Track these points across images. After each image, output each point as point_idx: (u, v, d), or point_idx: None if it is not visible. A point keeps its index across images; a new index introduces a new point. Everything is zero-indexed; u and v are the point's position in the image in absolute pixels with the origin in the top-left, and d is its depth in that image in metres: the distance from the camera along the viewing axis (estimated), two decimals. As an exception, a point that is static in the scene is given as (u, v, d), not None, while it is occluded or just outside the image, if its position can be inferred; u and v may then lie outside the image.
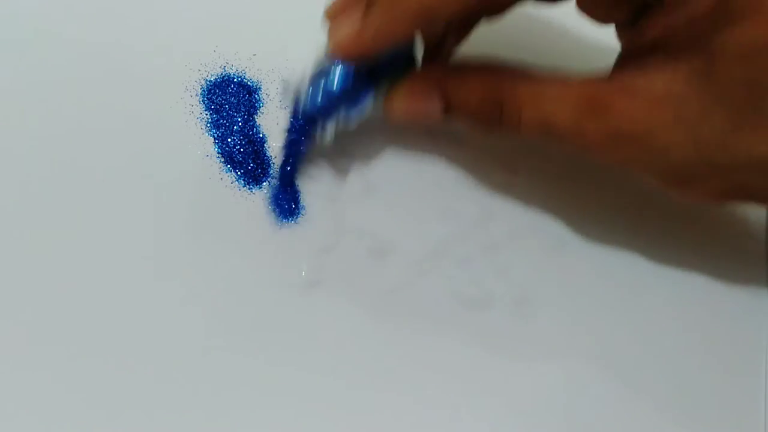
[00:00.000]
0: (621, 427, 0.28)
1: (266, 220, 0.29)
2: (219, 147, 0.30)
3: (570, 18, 0.29)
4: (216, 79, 0.32)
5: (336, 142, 0.29)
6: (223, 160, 0.30)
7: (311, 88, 0.27)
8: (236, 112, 0.31)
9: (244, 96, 0.31)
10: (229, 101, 0.31)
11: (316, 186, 0.30)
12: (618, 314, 0.29)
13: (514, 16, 0.29)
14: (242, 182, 0.30)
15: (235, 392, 0.27)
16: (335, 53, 0.26)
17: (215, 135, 0.31)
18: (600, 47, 0.30)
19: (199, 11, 0.33)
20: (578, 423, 0.28)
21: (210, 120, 0.31)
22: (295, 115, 0.29)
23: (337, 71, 0.27)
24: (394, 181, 0.30)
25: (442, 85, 0.26)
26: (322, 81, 0.27)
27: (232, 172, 0.30)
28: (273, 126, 0.31)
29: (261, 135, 0.31)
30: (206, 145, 0.30)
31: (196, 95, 0.31)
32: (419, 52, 0.27)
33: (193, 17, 0.33)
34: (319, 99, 0.27)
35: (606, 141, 0.24)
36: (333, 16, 0.27)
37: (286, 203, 0.29)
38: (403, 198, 0.30)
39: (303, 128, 0.28)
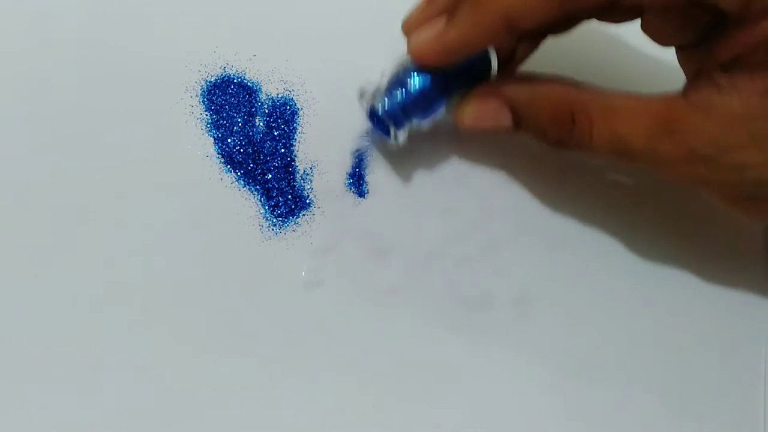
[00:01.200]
0: (621, 426, 0.28)
1: (266, 221, 0.29)
2: (219, 147, 0.30)
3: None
4: (216, 79, 0.32)
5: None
6: (223, 160, 0.30)
7: (388, 94, 0.27)
8: (236, 112, 0.31)
9: (244, 96, 0.31)
10: (229, 102, 0.31)
11: (316, 186, 0.30)
12: (618, 314, 0.29)
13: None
14: (242, 182, 0.30)
15: (236, 392, 0.27)
16: (416, 59, 0.26)
17: (215, 135, 0.31)
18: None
19: (199, 11, 0.33)
20: (578, 422, 0.28)
21: (210, 120, 0.31)
22: (371, 119, 0.29)
23: (415, 78, 0.27)
24: (393, 181, 0.30)
25: (512, 98, 0.26)
26: (400, 87, 0.27)
27: (232, 173, 0.30)
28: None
29: (261, 135, 0.31)
30: (206, 145, 0.30)
31: (196, 96, 0.31)
32: (494, 62, 0.27)
33: (193, 17, 0.33)
34: (397, 105, 0.27)
35: (679, 160, 0.24)
36: (412, 26, 0.27)
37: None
38: (403, 198, 0.30)
39: (377, 133, 0.29)
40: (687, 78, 0.27)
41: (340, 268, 0.29)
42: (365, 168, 0.31)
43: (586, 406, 0.28)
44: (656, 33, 0.27)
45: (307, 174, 0.30)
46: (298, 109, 0.31)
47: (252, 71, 0.32)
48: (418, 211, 0.30)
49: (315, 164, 0.30)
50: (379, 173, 0.31)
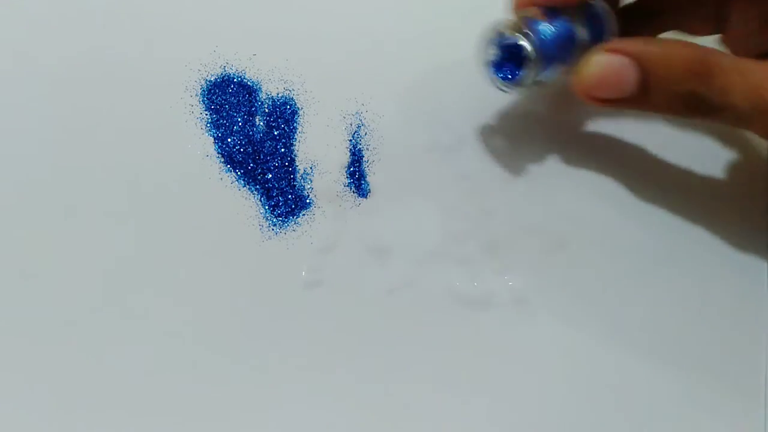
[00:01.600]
0: (621, 426, 0.28)
1: (266, 221, 0.29)
2: (219, 147, 0.30)
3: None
4: (216, 79, 0.31)
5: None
6: (223, 160, 0.30)
7: (530, 31, 0.26)
8: (236, 112, 0.31)
9: (244, 96, 0.31)
10: (229, 101, 0.31)
11: (316, 186, 0.30)
12: (617, 314, 0.29)
13: None
14: (242, 182, 0.30)
15: (235, 391, 0.27)
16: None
17: (215, 135, 0.31)
18: None
19: (199, 11, 0.33)
20: (578, 422, 0.28)
21: (210, 120, 0.31)
22: (498, 60, 0.27)
23: (546, 25, 0.26)
24: (393, 181, 0.30)
25: (643, 52, 0.25)
26: (543, 25, 0.26)
27: (232, 172, 0.30)
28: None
29: (261, 135, 0.31)
30: (206, 145, 0.30)
31: (196, 95, 0.31)
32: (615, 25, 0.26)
33: (193, 17, 0.33)
34: (542, 42, 0.26)
35: None
36: None
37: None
38: (403, 198, 0.30)
39: (499, 77, 0.27)
40: None
41: (340, 268, 0.29)
42: (365, 168, 0.31)
43: (586, 405, 0.28)
44: (736, 45, 0.27)
45: (307, 174, 0.30)
46: (298, 109, 0.31)
47: (252, 71, 0.32)
48: (418, 211, 0.30)
49: (315, 164, 0.30)
50: (379, 173, 0.31)
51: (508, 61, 0.27)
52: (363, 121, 0.31)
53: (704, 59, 0.24)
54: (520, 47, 0.26)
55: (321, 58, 0.32)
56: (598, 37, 0.27)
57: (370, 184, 0.30)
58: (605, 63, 0.25)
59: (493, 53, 0.28)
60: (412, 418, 0.27)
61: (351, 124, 0.31)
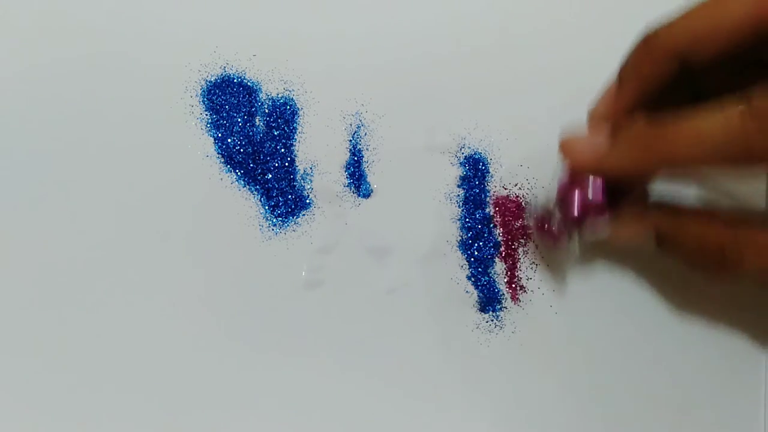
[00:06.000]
0: (621, 425, 0.28)
1: (266, 221, 0.29)
2: (219, 147, 0.30)
3: None
4: (216, 79, 0.32)
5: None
6: (223, 160, 0.30)
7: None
8: (236, 112, 0.31)
9: (244, 96, 0.31)
10: (229, 101, 0.31)
11: (316, 186, 0.30)
12: (617, 314, 0.29)
13: None
14: (242, 182, 0.30)
15: (235, 391, 0.27)
16: (570, 162, 0.27)
17: (215, 135, 0.31)
18: None
19: (199, 11, 0.33)
20: (578, 420, 0.28)
21: (210, 120, 0.31)
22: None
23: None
24: (394, 181, 0.30)
25: (658, 226, 0.27)
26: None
27: (232, 173, 0.30)
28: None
29: (261, 135, 0.31)
30: (206, 145, 0.30)
31: (196, 95, 0.31)
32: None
33: (193, 17, 0.33)
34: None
35: None
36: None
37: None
38: (403, 198, 0.30)
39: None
40: None
41: (340, 268, 0.29)
42: (365, 168, 0.31)
43: (586, 404, 0.28)
44: None
45: (307, 174, 0.30)
46: (298, 109, 0.31)
47: (252, 71, 0.32)
48: (418, 211, 0.30)
49: (315, 164, 0.30)
50: (379, 173, 0.31)
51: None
52: (363, 121, 0.31)
53: (719, 240, 0.25)
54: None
55: (321, 58, 0.32)
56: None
57: (370, 184, 0.30)
58: (625, 231, 0.27)
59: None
60: (412, 417, 0.27)
61: (351, 124, 0.31)
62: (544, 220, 0.28)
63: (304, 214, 0.30)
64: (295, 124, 0.31)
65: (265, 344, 0.28)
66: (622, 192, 0.27)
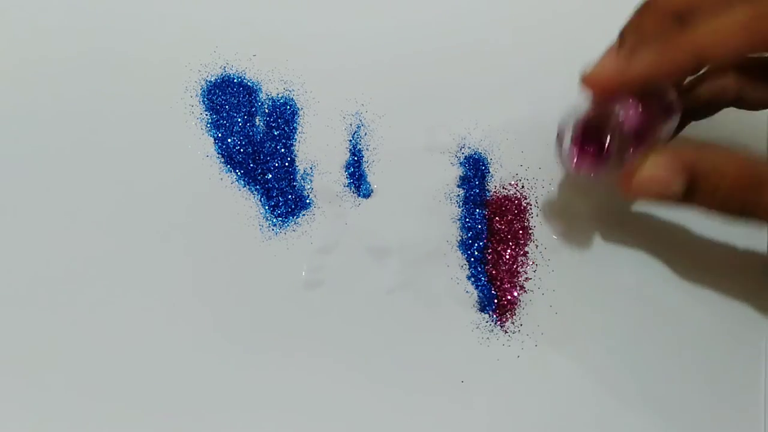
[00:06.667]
0: (621, 425, 0.28)
1: (266, 221, 0.29)
2: (219, 147, 0.30)
3: None
4: (216, 79, 0.32)
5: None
6: (223, 160, 0.30)
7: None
8: (236, 112, 0.31)
9: (244, 96, 0.31)
10: (229, 101, 0.31)
11: (316, 186, 0.30)
12: (617, 313, 0.29)
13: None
14: (242, 182, 0.30)
15: (235, 391, 0.27)
16: (589, 85, 0.25)
17: (215, 135, 0.31)
18: None
19: (199, 11, 0.33)
20: (578, 421, 0.28)
21: (210, 120, 0.31)
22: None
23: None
24: (393, 181, 0.30)
25: (694, 161, 0.24)
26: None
27: (232, 173, 0.30)
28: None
29: (261, 135, 0.31)
30: (206, 145, 0.30)
31: (196, 95, 0.31)
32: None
33: (193, 17, 0.33)
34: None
35: None
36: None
37: None
38: (403, 198, 0.30)
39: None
40: None
41: (340, 268, 0.29)
42: (365, 168, 0.31)
43: (585, 404, 0.28)
44: None
45: (307, 174, 0.30)
46: (298, 109, 0.31)
47: (252, 71, 0.32)
48: (418, 211, 0.30)
49: (315, 164, 0.30)
50: (379, 173, 0.31)
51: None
52: (363, 121, 0.31)
53: (755, 176, 0.24)
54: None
55: (321, 58, 0.32)
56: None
57: (370, 184, 0.30)
58: (658, 169, 0.25)
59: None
60: (412, 417, 0.27)
61: (351, 124, 0.31)
62: (585, 139, 0.26)
63: (304, 214, 0.30)
64: (295, 124, 0.31)
65: (265, 344, 0.28)
66: (655, 131, 0.26)
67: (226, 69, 0.32)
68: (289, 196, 0.30)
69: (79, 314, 0.28)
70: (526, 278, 0.30)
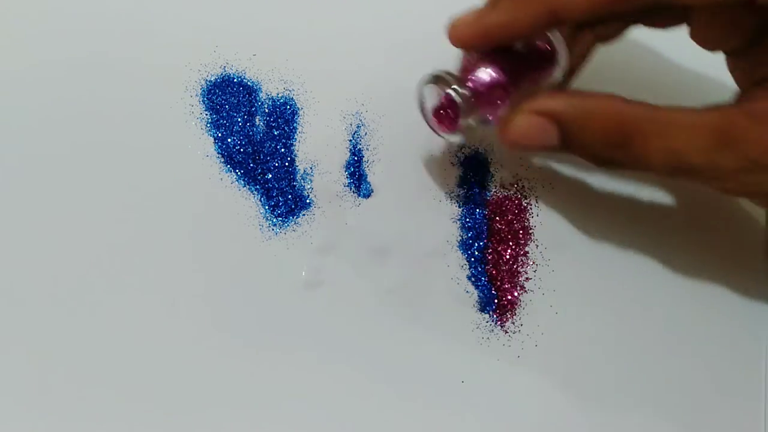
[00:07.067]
0: (621, 425, 0.28)
1: (266, 221, 0.29)
2: (219, 147, 0.30)
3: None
4: (216, 79, 0.32)
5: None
6: (223, 160, 0.30)
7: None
8: (236, 112, 0.31)
9: (244, 96, 0.31)
10: (229, 101, 0.31)
11: (316, 186, 0.30)
12: (617, 313, 0.29)
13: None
14: (242, 182, 0.30)
15: (235, 392, 0.27)
16: (453, 39, 0.26)
17: (215, 135, 0.31)
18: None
19: (199, 11, 0.33)
20: (577, 420, 0.28)
21: (210, 120, 0.31)
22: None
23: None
24: (394, 181, 0.30)
25: (560, 113, 0.25)
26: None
27: (232, 172, 0.30)
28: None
29: (261, 135, 0.31)
30: (206, 145, 0.30)
31: (196, 95, 0.31)
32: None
33: (193, 17, 0.33)
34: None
35: (739, 171, 0.23)
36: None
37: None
38: (403, 198, 0.30)
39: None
40: (739, 86, 0.26)
41: (340, 268, 0.29)
42: (365, 168, 0.31)
43: (585, 404, 0.28)
44: (704, 38, 0.27)
45: (307, 174, 0.30)
46: (298, 109, 0.31)
47: (252, 71, 0.32)
48: (418, 211, 0.30)
49: (315, 164, 0.30)
50: (379, 173, 0.31)
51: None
52: (363, 121, 0.31)
53: (623, 124, 0.24)
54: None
55: (321, 58, 0.32)
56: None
57: (370, 184, 0.30)
58: (525, 123, 0.25)
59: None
60: (412, 417, 0.27)
61: (351, 124, 0.31)
62: (441, 105, 0.26)
63: (304, 214, 0.30)
64: (295, 124, 0.31)
65: (265, 344, 0.28)
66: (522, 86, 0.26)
67: (226, 69, 0.32)
68: (289, 196, 0.30)
69: (77, 314, 0.28)
70: (527, 278, 0.30)
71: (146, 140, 0.30)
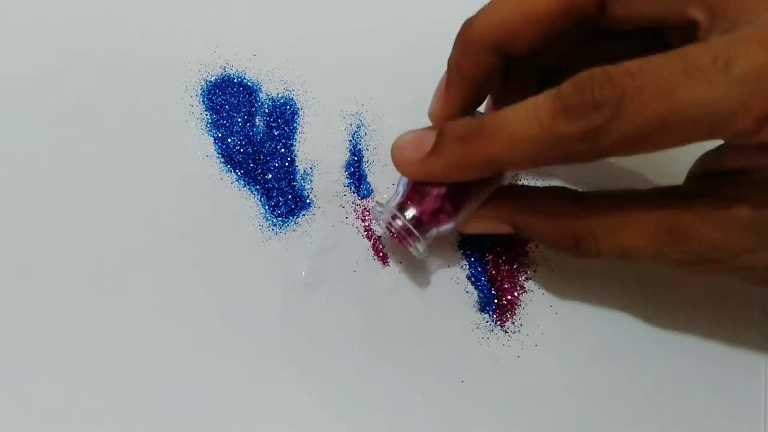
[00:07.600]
0: (620, 425, 0.28)
1: (266, 221, 0.29)
2: (219, 147, 0.30)
3: None
4: (216, 79, 0.32)
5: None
6: (223, 160, 0.30)
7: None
8: (236, 112, 0.31)
9: (244, 96, 0.31)
10: (229, 101, 0.31)
11: (316, 186, 0.30)
12: (617, 313, 0.29)
13: None
14: (242, 182, 0.30)
15: (235, 392, 0.27)
16: (403, 173, 0.26)
17: (215, 135, 0.31)
18: None
19: (199, 11, 0.33)
20: (578, 422, 0.28)
21: (210, 120, 0.31)
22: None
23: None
24: (393, 181, 0.30)
25: (513, 221, 0.26)
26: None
27: (232, 173, 0.30)
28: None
29: (261, 135, 0.31)
30: (206, 145, 0.30)
31: (196, 95, 0.31)
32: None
33: (193, 17, 0.33)
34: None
35: (688, 263, 0.24)
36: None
37: None
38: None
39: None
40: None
41: (340, 268, 0.29)
42: (365, 168, 0.31)
43: (585, 404, 0.28)
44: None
45: (307, 174, 0.30)
46: (298, 109, 0.31)
47: (252, 71, 0.32)
48: (418, 211, 0.30)
49: (315, 164, 0.31)
50: (379, 173, 0.31)
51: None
52: (363, 121, 0.31)
53: (573, 230, 0.25)
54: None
55: (321, 58, 0.32)
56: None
57: (370, 184, 0.30)
58: (481, 227, 0.27)
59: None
60: (412, 417, 0.27)
61: (351, 124, 0.31)
62: (390, 223, 0.27)
63: (304, 214, 0.30)
64: (295, 124, 0.31)
65: (264, 344, 0.28)
66: (472, 184, 0.26)
67: (226, 69, 0.32)
68: (289, 197, 0.30)
69: (76, 314, 0.28)
70: (526, 278, 0.30)
71: (146, 140, 0.30)
